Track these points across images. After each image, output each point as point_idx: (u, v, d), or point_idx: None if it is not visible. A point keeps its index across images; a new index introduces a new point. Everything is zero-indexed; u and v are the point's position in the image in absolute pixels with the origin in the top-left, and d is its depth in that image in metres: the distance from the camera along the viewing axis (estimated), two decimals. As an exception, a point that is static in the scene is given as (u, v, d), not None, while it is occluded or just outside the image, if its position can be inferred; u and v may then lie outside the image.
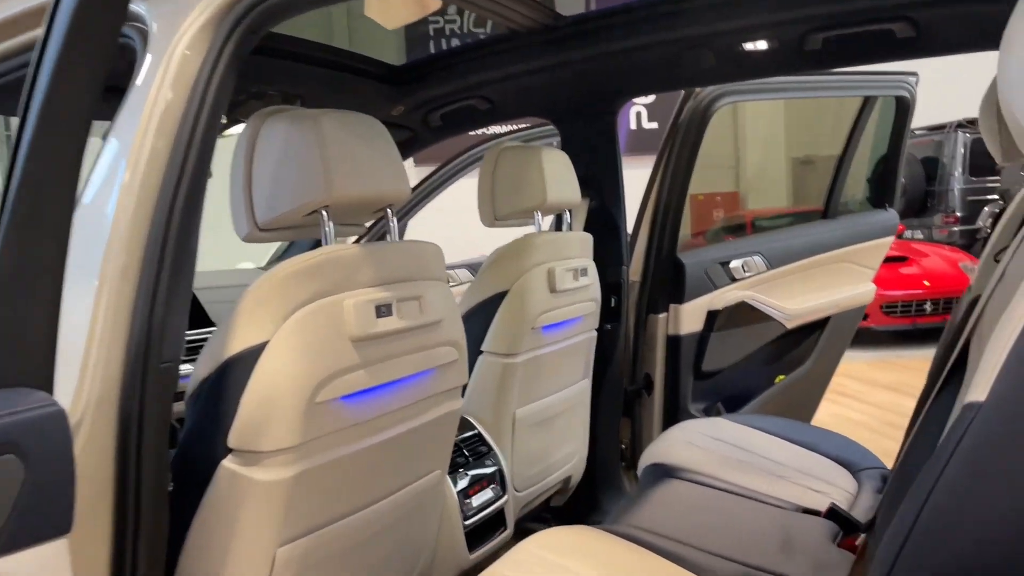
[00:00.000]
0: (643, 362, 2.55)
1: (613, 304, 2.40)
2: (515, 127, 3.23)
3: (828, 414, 3.98)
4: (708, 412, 2.66)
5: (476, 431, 1.90)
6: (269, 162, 1.26)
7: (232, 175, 1.29)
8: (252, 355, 1.16)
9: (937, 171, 9.36)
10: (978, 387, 0.74)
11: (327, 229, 1.28)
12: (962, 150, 9.27)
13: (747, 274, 2.62)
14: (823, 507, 1.63)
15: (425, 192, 3.37)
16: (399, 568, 1.51)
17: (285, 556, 1.21)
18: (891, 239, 2.98)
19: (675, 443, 1.91)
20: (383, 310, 1.28)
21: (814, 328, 2.80)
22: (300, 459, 1.20)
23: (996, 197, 9.02)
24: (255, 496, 1.17)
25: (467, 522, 1.73)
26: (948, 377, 1.19)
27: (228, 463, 1.17)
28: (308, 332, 1.19)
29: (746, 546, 1.44)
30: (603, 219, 2.39)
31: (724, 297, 2.56)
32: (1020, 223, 1.45)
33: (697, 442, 1.93)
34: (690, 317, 2.52)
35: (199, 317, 2.00)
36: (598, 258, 2.22)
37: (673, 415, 2.58)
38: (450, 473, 1.74)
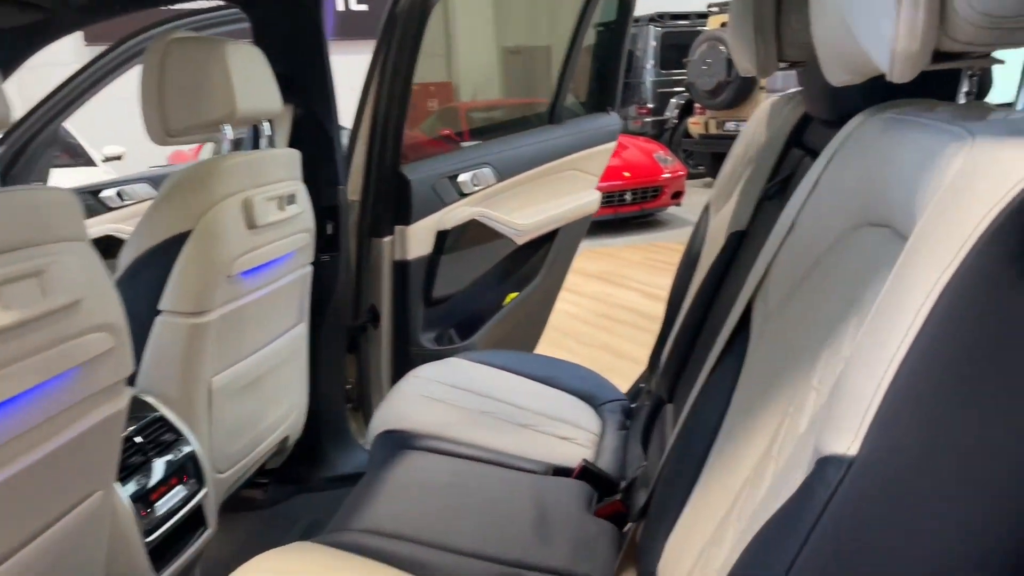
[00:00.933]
0: (367, 293, 2.24)
1: (330, 231, 2.04)
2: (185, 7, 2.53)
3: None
4: (440, 341, 2.44)
5: (158, 414, 1.48)
6: None
7: None
8: None
9: (631, 64, 9.87)
10: (839, 435, 0.56)
11: None
12: (654, 43, 9.83)
13: (476, 188, 2.39)
14: (574, 462, 1.50)
15: (91, 80, 2.65)
16: None
17: None
18: (614, 144, 2.91)
19: (408, 401, 1.66)
20: None
21: (543, 241, 2.68)
22: None
23: (682, 90, 9.75)
24: None
25: (151, 537, 1.34)
26: (730, 340, 1.03)
27: None
28: None
29: (499, 535, 1.24)
30: (312, 130, 1.98)
31: (454, 215, 2.31)
32: (782, 153, 1.32)
33: (433, 393, 1.69)
34: (418, 239, 2.24)
35: None
36: (309, 179, 1.83)
37: (403, 348, 2.33)
38: (122, 479, 1.33)
